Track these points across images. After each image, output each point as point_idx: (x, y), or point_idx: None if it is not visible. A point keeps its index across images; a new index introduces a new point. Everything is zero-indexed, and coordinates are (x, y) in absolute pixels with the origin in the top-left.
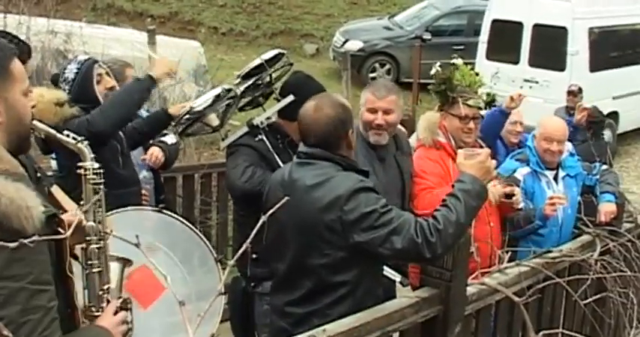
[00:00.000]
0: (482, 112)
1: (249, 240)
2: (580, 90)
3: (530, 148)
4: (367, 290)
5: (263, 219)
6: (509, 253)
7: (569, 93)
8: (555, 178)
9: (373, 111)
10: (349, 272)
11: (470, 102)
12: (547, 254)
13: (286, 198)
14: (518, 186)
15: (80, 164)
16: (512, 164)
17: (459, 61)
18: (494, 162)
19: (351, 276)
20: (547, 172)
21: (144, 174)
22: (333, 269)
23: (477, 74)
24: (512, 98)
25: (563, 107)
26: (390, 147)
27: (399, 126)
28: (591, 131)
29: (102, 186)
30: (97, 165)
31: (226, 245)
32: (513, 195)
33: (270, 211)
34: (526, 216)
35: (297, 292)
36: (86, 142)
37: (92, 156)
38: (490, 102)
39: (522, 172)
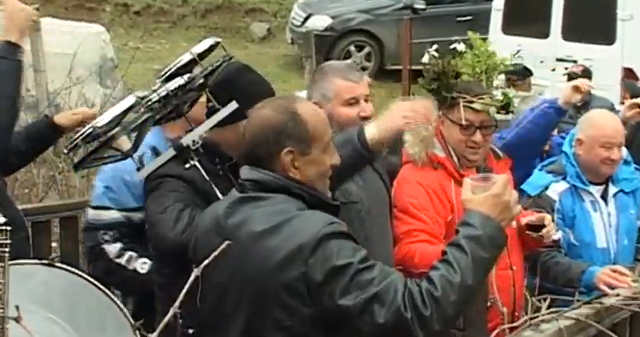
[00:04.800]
0: (525, 108)
1: (176, 303)
2: (586, 72)
3: (566, 155)
4: None
5: (196, 272)
6: (548, 300)
7: (570, 77)
8: (604, 196)
9: (354, 101)
10: None
11: (475, 105)
12: (598, 300)
13: (227, 242)
14: (553, 209)
15: None
16: (542, 178)
17: (460, 47)
18: (515, 192)
19: None
20: (592, 188)
21: None
22: None
23: (494, 54)
24: (576, 88)
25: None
26: None
27: None
28: None
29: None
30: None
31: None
32: (542, 226)
33: (205, 261)
34: (568, 277)
35: None
36: None
37: None
38: (506, 105)
39: (557, 189)
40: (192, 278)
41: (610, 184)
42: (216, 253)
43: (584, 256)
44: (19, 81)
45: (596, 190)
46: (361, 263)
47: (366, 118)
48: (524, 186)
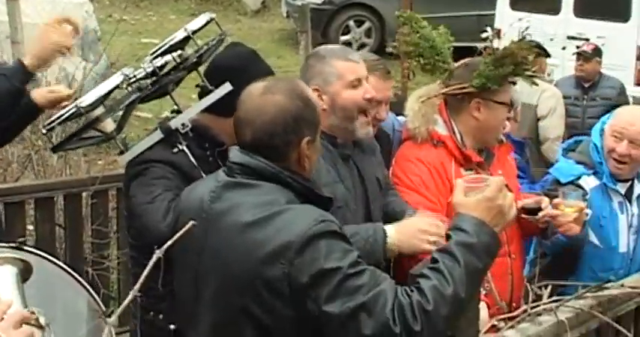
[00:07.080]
0: None
1: (136, 287)
2: (597, 51)
3: (596, 148)
4: None
5: (157, 254)
6: (549, 287)
7: (579, 56)
8: (628, 195)
9: (357, 83)
10: None
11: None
12: (601, 290)
13: (192, 222)
14: (585, 199)
15: None
16: (574, 168)
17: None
18: (510, 195)
19: None
20: (619, 186)
21: None
22: None
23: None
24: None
25: (569, 77)
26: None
27: None
28: None
29: None
30: None
31: None
32: (539, 209)
33: (167, 244)
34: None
35: None
36: None
37: None
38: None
39: (589, 183)
40: (153, 259)
41: (636, 182)
42: (180, 234)
43: (605, 258)
44: (7, 105)
45: (622, 188)
46: (351, 268)
47: (370, 100)
48: (553, 171)
